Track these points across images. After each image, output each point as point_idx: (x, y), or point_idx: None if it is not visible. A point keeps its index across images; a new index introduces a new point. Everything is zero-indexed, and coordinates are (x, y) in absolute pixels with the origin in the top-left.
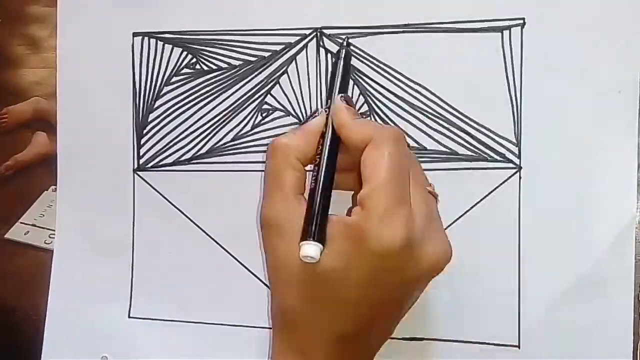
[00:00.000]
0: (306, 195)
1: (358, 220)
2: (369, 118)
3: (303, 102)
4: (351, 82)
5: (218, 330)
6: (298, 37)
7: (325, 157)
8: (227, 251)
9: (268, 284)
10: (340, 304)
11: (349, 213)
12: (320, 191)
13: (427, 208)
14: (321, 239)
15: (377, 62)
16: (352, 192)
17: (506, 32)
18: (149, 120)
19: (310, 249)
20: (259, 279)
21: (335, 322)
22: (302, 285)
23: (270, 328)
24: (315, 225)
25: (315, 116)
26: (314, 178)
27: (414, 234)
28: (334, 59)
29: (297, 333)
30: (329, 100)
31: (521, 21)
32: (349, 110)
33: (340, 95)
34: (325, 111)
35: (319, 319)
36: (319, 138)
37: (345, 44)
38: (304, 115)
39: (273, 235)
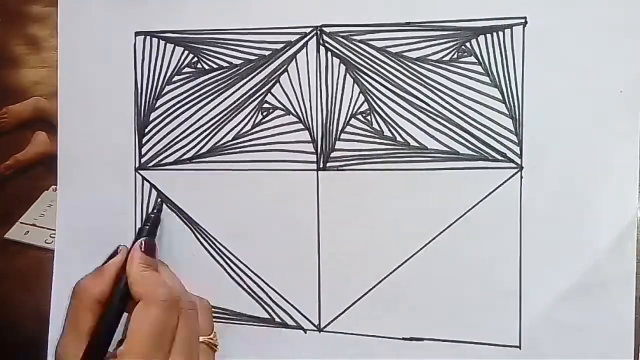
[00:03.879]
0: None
1: None
2: (368, 117)
3: (303, 100)
4: (351, 80)
5: (219, 328)
6: (298, 36)
7: (114, 299)
8: (227, 250)
9: (269, 284)
10: None
11: None
12: (101, 334)
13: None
14: None
15: (377, 61)
16: None
17: (508, 31)
18: (150, 119)
19: None
20: (259, 277)
21: None
22: None
23: (271, 327)
24: None
25: (115, 254)
26: (100, 316)
27: None
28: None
29: None
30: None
31: (523, 20)
32: (141, 260)
33: (142, 239)
34: (123, 250)
35: None
36: (115, 277)
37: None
38: (304, 114)
39: None
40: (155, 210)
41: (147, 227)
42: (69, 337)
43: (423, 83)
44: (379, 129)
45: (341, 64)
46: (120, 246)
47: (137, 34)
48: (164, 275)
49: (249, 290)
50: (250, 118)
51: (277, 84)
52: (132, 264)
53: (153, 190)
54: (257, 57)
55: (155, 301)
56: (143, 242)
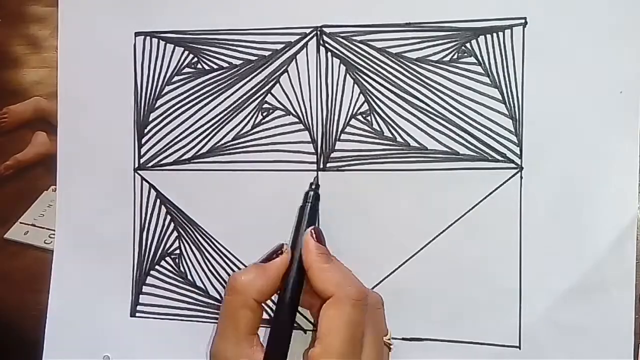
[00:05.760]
0: (262, 334)
1: None
2: (368, 118)
3: (303, 101)
4: (351, 81)
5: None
6: (298, 36)
7: (288, 300)
8: (227, 250)
9: None
10: None
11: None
12: (279, 338)
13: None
14: None
15: (377, 61)
16: None
17: (508, 32)
18: (150, 119)
19: None
20: None
21: None
22: None
23: (268, 327)
24: None
25: (280, 253)
26: (274, 317)
27: None
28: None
29: None
30: (296, 235)
31: (523, 21)
32: (319, 251)
33: (311, 228)
34: (288, 249)
35: None
36: (280, 277)
37: (314, 186)
38: (304, 114)
39: None
40: (314, 187)
41: (309, 210)
42: (227, 336)
43: (423, 83)
44: (379, 129)
45: (341, 65)
46: (285, 245)
47: (137, 34)
48: (342, 268)
49: None
50: (250, 118)
51: (277, 84)
52: (311, 258)
53: (152, 190)
54: (257, 58)
55: (348, 299)
56: (314, 231)
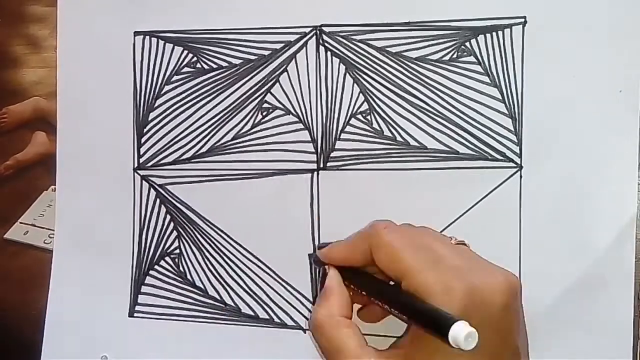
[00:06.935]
0: None
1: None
2: (368, 117)
3: (303, 100)
4: (351, 80)
5: (218, 329)
6: (298, 36)
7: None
8: (227, 250)
9: (268, 283)
10: None
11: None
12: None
13: (462, 254)
14: None
15: (377, 61)
16: None
17: (507, 31)
18: (149, 119)
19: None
20: (258, 277)
21: None
22: None
23: (271, 327)
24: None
25: (326, 274)
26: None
27: (464, 280)
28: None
29: None
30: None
31: (522, 20)
32: (336, 248)
33: (316, 253)
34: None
35: None
36: (344, 288)
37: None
38: (304, 114)
39: None
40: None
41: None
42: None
43: (423, 83)
44: (378, 128)
45: (341, 64)
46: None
47: (136, 33)
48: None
49: (248, 290)
50: (250, 118)
51: (277, 83)
52: (335, 253)
53: (152, 190)
54: (256, 57)
55: (383, 236)
56: (320, 249)
